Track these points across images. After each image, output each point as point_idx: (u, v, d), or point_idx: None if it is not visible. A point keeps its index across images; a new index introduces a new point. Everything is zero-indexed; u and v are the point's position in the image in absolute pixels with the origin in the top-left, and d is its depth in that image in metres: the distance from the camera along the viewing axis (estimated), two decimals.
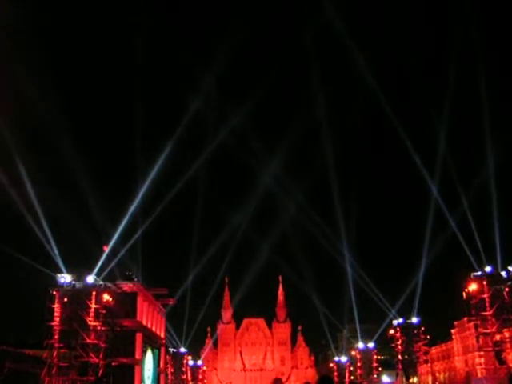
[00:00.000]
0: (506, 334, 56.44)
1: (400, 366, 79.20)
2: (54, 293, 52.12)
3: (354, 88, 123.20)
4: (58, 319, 51.53)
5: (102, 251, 56.94)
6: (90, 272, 53.42)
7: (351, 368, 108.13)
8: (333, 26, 73.22)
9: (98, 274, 53.96)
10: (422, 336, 76.97)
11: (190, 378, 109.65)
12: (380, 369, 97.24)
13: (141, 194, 66.17)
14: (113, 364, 54.10)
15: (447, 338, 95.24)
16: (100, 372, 51.61)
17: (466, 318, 76.33)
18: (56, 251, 53.03)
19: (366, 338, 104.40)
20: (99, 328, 52.28)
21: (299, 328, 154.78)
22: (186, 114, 78.58)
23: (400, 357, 78.01)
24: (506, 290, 54.19)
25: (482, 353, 64.29)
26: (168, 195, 75.15)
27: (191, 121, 73.42)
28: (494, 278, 55.25)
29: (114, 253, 57.35)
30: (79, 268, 54.13)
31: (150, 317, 71.52)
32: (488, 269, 55.87)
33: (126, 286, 60.20)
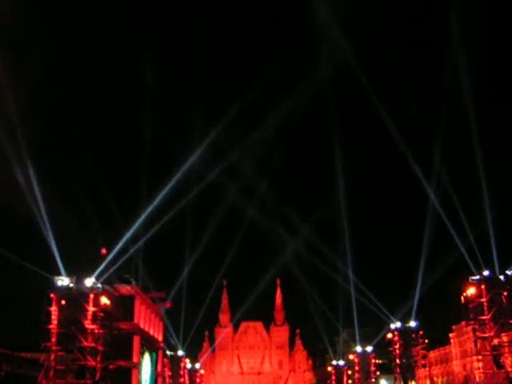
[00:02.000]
0: (504, 339, 56.43)
1: (398, 370, 79.00)
2: (52, 295, 51.93)
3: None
4: (55, 322, 51.25)
5: (101, 254, 56.74)
6: (89, 275, 53.25)
7: (349, 372, 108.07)
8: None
9: (96, 278, 53.80)
10: (421, 340, 76.84)
11: (187, 382, 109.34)
12: (378, 373, 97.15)
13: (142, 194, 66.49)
14: (110, 367, 53.87)
15: (445, 342, 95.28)
16: (97, 375, 51.36)
17: (464, 322, 76.28)
18: (56, 254, 52.91)
19: (364, 341, 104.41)
20: (97, 331, 52.05)
21: (297, 332, 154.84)
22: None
23: (398, 361, 77.82)
24: (504, 294, 54.19)
25: (480, 357, 64.19)
26: (175, 201, 74.75)
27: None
28: (492, 282, 55.24)
29: (114, 256, 57.18)
30: (79, 271, 53.94)
31: (148, 320, 71.46)
32: (486, 273, 55.89)
33: (124, 289, 60.10)
